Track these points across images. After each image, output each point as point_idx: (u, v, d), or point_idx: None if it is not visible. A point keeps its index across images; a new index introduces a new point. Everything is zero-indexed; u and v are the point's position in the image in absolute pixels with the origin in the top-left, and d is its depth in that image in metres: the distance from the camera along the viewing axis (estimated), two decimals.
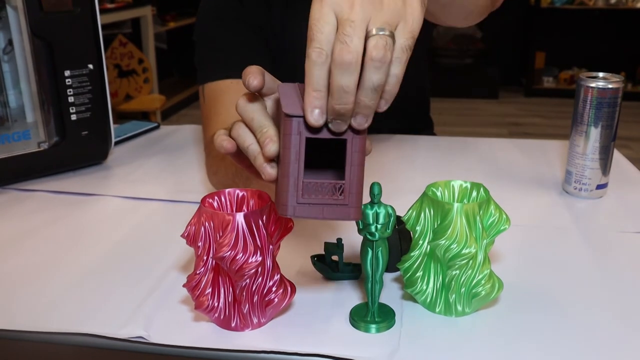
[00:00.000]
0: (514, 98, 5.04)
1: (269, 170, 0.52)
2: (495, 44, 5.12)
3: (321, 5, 0.47)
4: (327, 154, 0.52)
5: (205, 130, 0.96)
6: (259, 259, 0.52)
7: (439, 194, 0.60)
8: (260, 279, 0.54)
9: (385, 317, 0.57)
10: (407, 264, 0.58)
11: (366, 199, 0.54)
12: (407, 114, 1.00)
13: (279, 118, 0.53)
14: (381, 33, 0.46)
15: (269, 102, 0.57)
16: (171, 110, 4.47)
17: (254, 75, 0.53)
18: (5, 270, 0.68)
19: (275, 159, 0.52)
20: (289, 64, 0.96)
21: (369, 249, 0.55)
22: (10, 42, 0.93)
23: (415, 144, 1.12)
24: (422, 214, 0.57)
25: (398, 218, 0.57)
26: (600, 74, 0.84)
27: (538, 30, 4.93)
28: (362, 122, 0.48)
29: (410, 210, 0.58)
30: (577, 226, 0.79)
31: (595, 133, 0.83)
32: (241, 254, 0.52)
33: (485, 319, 0.58)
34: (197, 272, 0.55)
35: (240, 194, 0.59)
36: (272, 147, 0.51)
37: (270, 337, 0.55)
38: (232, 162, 0.75)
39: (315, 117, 0.47)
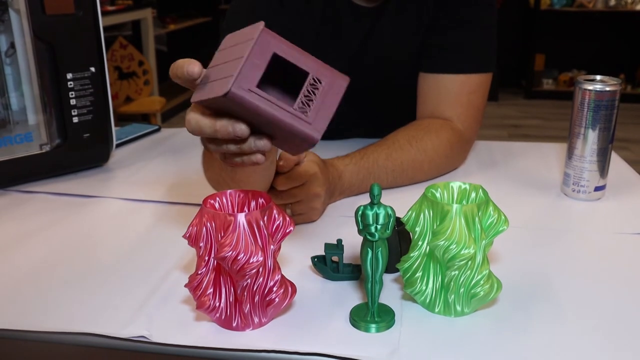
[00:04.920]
0: (514, 100, 5.04)
1: (259, 143, 0.53)
2: None
3: None
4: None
5: None
6: (260, 259, 0.53)
7: (438, 195, 0.61)
8: (261, 279, 0.54)
9: (385, 317, 0.57)
10: (406, 265, 0.59)
11: (366, 199, 0.55)
12: (406, 118, 1.01)
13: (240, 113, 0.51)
14: None
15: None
16: (171, 113, 4.47)
17: (193, 63, 0.56)
18: (7, 270, 0.69)
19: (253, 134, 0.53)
20: None
21: (369, 250, 0.55)
22: (12, 45, 0.94)
23: None
24: (422, 215, 0.58)
25: (398, 219, 0.57)
26: (598, 77, 0.84)
27: (538, 33, 4.93)
28: None
29: (410, 211, 0.59)
30: (575, 228, 0.79)
31: (593, 135, 0.84)
32: (242, 254, 0.52)
33: (484, 319, 0.58)
34: (199, 272, 0.55)
35: (241, 195, 0.59)
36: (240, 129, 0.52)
37: (271, 337, 0.55)
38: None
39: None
